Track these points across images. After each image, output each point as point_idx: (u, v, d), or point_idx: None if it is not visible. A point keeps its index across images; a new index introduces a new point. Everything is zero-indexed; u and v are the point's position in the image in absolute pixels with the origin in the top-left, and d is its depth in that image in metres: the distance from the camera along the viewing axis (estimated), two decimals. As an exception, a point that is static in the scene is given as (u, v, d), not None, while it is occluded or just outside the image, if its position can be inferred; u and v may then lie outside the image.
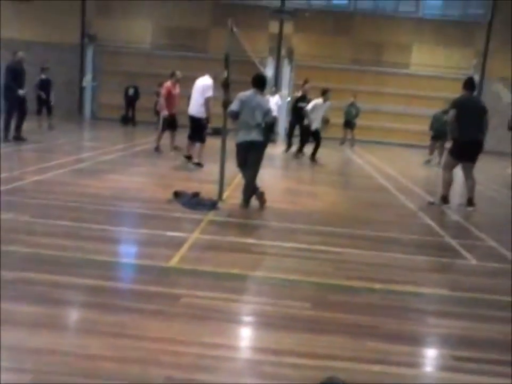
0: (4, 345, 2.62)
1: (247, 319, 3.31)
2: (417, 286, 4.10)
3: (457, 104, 7.33)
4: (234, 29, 6.61)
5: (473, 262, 4.85)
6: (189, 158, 9.75)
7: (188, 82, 10.23)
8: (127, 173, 8.49)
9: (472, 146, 7.27)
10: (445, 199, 7.52)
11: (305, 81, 13.69)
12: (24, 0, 19.01)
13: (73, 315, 3.23)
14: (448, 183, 7.54)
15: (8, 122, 10.87)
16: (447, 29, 19.66)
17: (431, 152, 13.97)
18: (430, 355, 3.10)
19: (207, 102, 9.18)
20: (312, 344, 2.92)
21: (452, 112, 7.30)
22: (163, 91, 10.82)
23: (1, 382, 2.30)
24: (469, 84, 7.46)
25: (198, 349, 2.76)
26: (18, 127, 11.08)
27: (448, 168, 7.58)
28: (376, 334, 3.14)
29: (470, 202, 7.41)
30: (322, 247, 4.92)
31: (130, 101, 18.60)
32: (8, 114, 10.85)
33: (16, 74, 10.80)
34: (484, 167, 10.23)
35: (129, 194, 6.72)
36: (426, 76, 19.55)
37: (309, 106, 11.56)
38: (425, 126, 14.58)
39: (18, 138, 11.00)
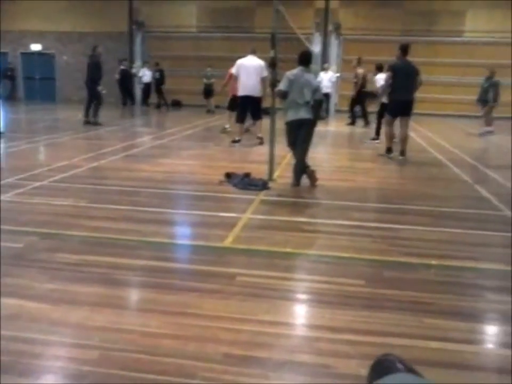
0: (71, 323, 2.78)
1: (302, 296, 3.33)
2: (476, 261, 3.99)
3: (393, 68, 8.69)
4: (280, 7, 6.53)
5: (535, 235, 4.67)
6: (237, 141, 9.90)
7: (233, 63, 10.19)
8: (178, 156, 8.64)
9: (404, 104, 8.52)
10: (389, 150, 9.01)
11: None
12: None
13: (133, 295, 3.36)
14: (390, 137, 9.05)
15: (88, 109, 12.85)
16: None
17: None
18: (489, 332, 3.02)
19: (264, 81, 9.41)
20: (368, 321, 2.91)
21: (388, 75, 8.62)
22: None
23: (70, 358, 2.43)
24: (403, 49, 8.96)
25: (254, 326, 2.82)
26: (96, 114, 12.83)
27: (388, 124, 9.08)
28: (433, 310, 3.09)
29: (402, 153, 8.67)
30: (376, 224, 4.86)
31: (157, 86, 18.63)
32: (89, 102, 12.77)
33: (98, 68, 12.50)
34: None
35: (182, 177, 6.85)
36: (482, 43, 18.63)
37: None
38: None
39: (96, 123, 12.65)
